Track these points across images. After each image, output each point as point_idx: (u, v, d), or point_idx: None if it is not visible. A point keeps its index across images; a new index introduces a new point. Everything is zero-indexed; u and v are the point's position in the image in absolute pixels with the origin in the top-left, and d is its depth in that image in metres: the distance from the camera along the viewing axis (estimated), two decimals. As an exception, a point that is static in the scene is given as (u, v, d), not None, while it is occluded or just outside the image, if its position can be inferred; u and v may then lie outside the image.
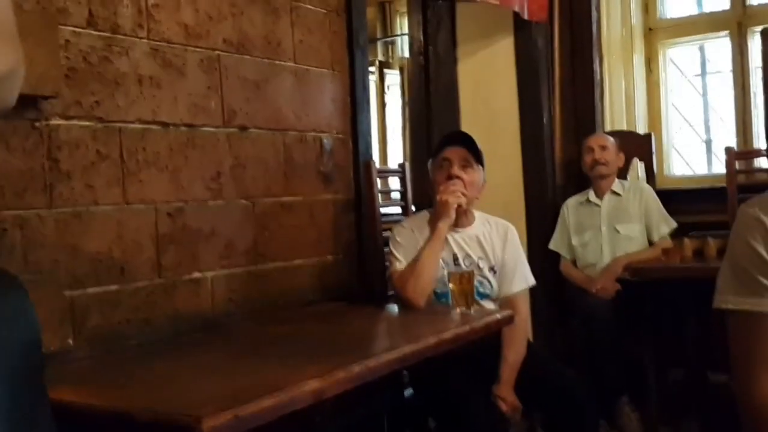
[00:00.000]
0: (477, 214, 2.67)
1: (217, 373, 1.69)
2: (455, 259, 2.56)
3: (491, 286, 2.59)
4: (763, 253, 1.22)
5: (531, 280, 2.67)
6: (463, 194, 2.51)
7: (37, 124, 1.85)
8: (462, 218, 2.58)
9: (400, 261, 2.53)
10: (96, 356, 1.89)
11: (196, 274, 2.25)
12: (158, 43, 2.16)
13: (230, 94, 2.38)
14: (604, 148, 3.63)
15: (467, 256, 2.58)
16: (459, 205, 2.51)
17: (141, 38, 2.12)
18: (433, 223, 2.54)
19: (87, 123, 1.97)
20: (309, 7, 2.72)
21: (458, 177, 2.53)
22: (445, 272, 2.45)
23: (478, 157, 2.60)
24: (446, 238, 2.53)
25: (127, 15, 2.08)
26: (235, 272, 2.38)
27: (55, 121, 1.89)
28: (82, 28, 1.96)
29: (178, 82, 2.22)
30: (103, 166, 2.00)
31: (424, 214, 2.67)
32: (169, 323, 2.14)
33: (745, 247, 1.24)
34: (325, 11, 2.79)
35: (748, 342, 1.25)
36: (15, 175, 1.80)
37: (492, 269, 2.59)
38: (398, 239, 2.59)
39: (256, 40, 2.49)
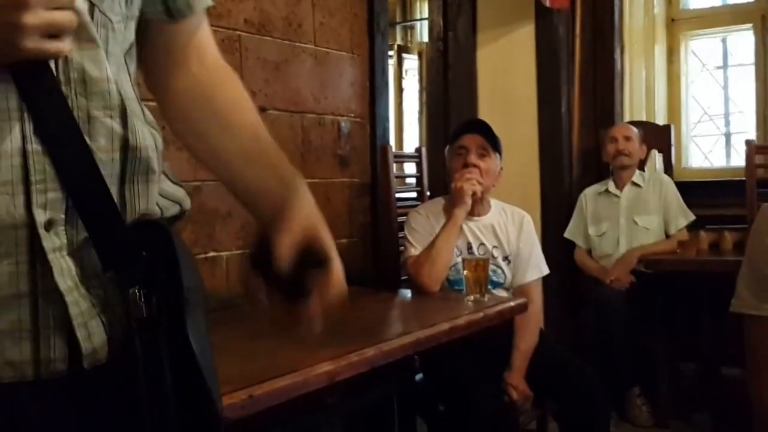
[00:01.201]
0: (493, 202, 2.66)
1: (232, 354, 1.70)
2: (469, 247, 2.56)
3: (504, 275, 2.59)
4: None
5: (545, 270, 2.67)
6: (479, 182, 2.51)
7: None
8: (478, 207, 2.58)
9: (415, 247, 2.53)
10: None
11: (212, 254, 2.26)
12: (179, 22, 2.16)
13: (250, 75, 2.38)
14: (628, 138, 3.60)
15: (482, 244, 2.58)
16: (474, 193, 2.50)
17: (162, 17, 2.12)
18: (448, 210, 2.54)
19: (107, 100, 1.97)
20: (330, -11, 2.71)
21: (475, 165, 2.53)
22: (459, 260, 2.45)
23: (496, 145, 2.59)
24: (461, 226, 2.53)
25: (149, -7, 2.08)
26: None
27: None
28: (105, 5, 1.97)
29: (198, 61, 2.22)
30: (123, 144, 2.01)
31: (440, 201, 2.67)
32: (184, 302, 2.14)
33: (764, 251, 1.23)
34: (346, -6, 2.78)
35: (764, 346, 1.24)
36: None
37: (506, 258, 2.59)
38: (413, 225, 2.59)
39: (277, 22, 2.49)
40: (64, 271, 0.73)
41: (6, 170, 0.70)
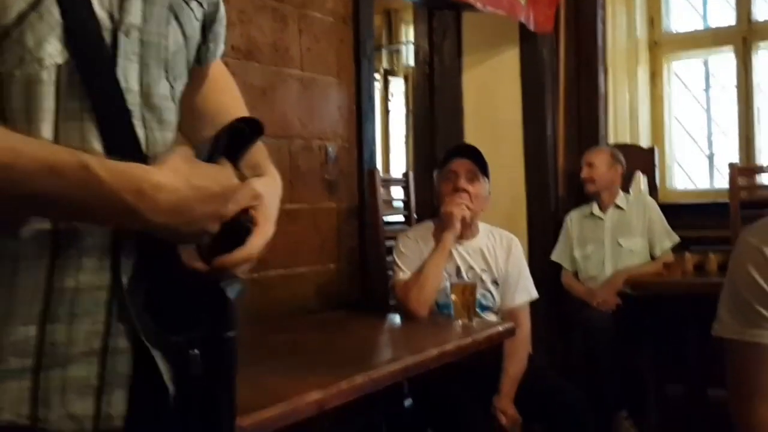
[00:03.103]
0: (481, 226, 2.67)
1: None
2: (458, 271, 2.56)
3: (493, 299, 2.59)
4: (763, 284, 1.22)
5: (533, 293, 2.67)
6: (469, 207, 2.52)
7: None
8: (466, 231, 2.59)
9: (404, 271, 2.53)
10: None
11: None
12: (166, 49, 2.16)
13: (237, 101, 2.38)
14: (590, 165, 3.61)
15: (470, 268, 2.58)
16: (463, 218, 2.51)
17: (149, 44, 2.12)
18: (437, 234, 2.54)
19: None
20: (317, 15, 2.72)
21: (464, 190, 2.54)
22: (448, 284, 2.45)
23: (484, 170, 2.61)
24: (450, 250, 2.53)
25: (137, 21, 2.08)
26: (237, 279, 2.37)
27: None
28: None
29: (185, 88, 2.22)
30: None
31: (429, 225, 2.67)
32: (171, 329, 2.13)
33: (745, 277, 1.24)
34: (332, 20, 2.80)
35: (746, 371, 1.25)
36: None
37: (495, 282, 2.60)
38: (402, 249, 2.59)
39: (264, 48, 2.50)
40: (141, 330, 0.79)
41: (99, 235, 0.76)
